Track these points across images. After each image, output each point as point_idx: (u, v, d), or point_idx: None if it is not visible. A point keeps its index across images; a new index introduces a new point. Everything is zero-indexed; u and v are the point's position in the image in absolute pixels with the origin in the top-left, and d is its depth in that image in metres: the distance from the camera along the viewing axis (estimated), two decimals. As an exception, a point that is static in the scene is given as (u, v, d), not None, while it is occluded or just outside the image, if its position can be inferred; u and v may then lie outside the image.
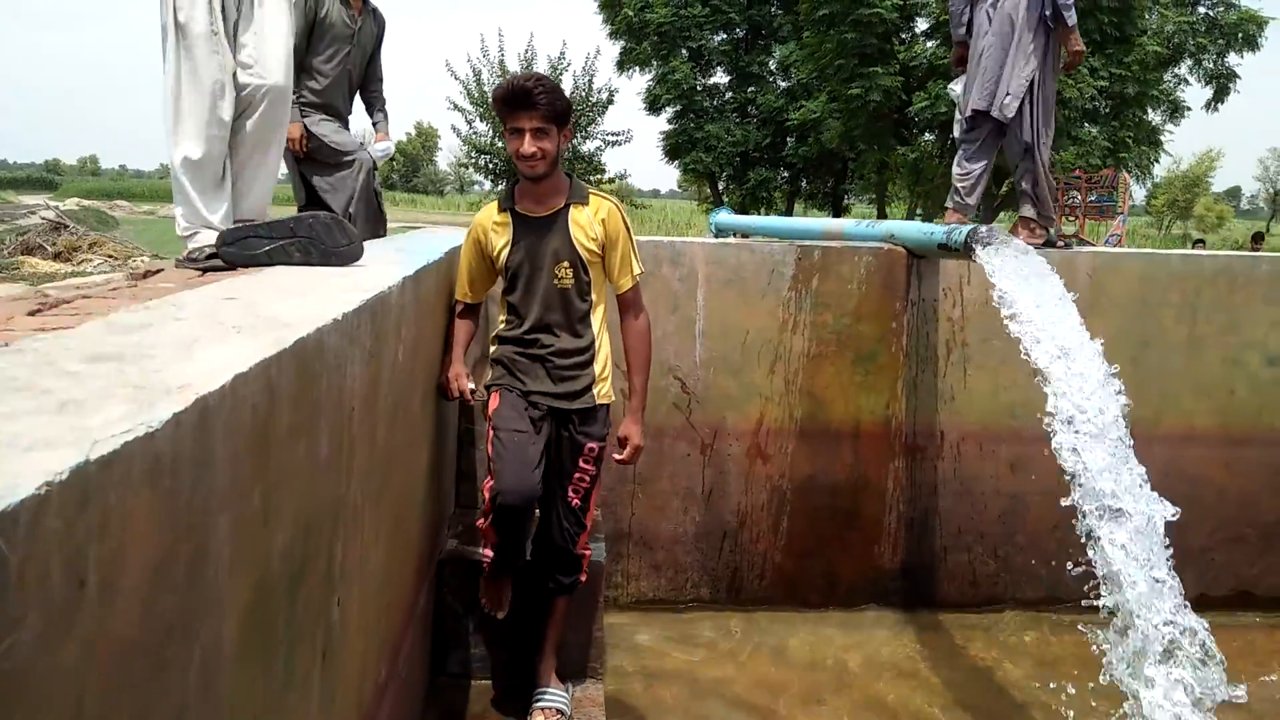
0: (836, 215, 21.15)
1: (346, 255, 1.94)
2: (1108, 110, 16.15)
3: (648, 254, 3.92)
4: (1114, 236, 14.22)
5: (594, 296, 2.62)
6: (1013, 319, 3.23)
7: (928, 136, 15.27)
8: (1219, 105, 17.12)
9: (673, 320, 3.93)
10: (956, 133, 4.45)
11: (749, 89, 20.57)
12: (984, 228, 3.38)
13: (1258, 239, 11.11)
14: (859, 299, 3.98)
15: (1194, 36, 16.29)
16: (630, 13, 19.86)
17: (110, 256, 17.58)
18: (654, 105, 20.68)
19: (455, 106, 20.55)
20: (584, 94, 20.94)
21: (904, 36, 15.28)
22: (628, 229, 2.65)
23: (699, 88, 20.36)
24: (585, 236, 2.56)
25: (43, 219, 20.25)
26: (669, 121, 21.02)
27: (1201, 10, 16.62)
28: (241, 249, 1.83)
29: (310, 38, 4.00)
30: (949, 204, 4.38)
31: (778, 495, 4.03)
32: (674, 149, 21.08)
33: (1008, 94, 4.08)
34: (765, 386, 3.99)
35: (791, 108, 19.37)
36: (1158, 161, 18.34)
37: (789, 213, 22.01)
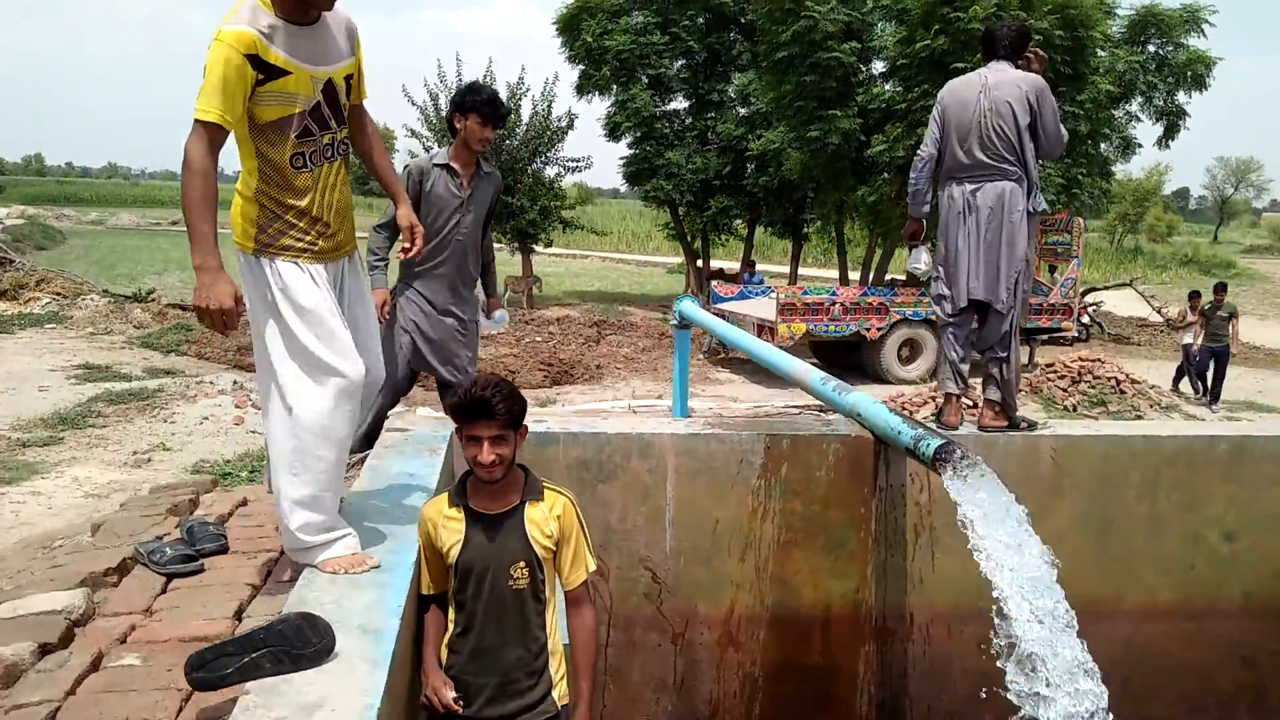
0: (796, 244, 21.31)
1: (318, 655, 1.89)
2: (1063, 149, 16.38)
3: (617, 446, 3.91)
4: (1069, 280, 14.45)
5: (547, 594, 2.57)
6: (973, 539, 3.27)
7: (885, 177, 15.36)
8: (1169, 142, 17.47)
9: (642, 511, 3.92)
10: (937, 311, 4.50)
11: (708, 116, 20.62)
12: (954, 447, 3.40)
13: (1219, 290, 11.24)
14: (827, 486, 3.99)
15: (1144, 75, 16.59)
16: (589, 39, 19.82)
17: (58, 294, 17.17)
18: (614, 132, 20.67)
19: (413, 133, 20.34)
20: (543, 119, 20.81)
21: (862, 78, 15.37)
22: (581, 525, 2.59)
23: (658, 114, 20.35)
24: (541, 534, 2.50)
25: (-14, 254, 19.70)
26: (629, 147, 21.02)
27: (1151, 49, 16.91)
28: (210, 672, 1.78)
29: (418, 210, 4.13)
30: (947, 387, 4.42)
31: (750, 682, 4.04)
32: (634, 175, 21.08)
33: (1006, 287, 4.13)
34: (736, 574, 3.99)
35: (751, 136, 19.46)
36: (1108, 193, 18.69)
37: (749, 240, 22.11)
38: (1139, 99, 17.10)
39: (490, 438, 2.39)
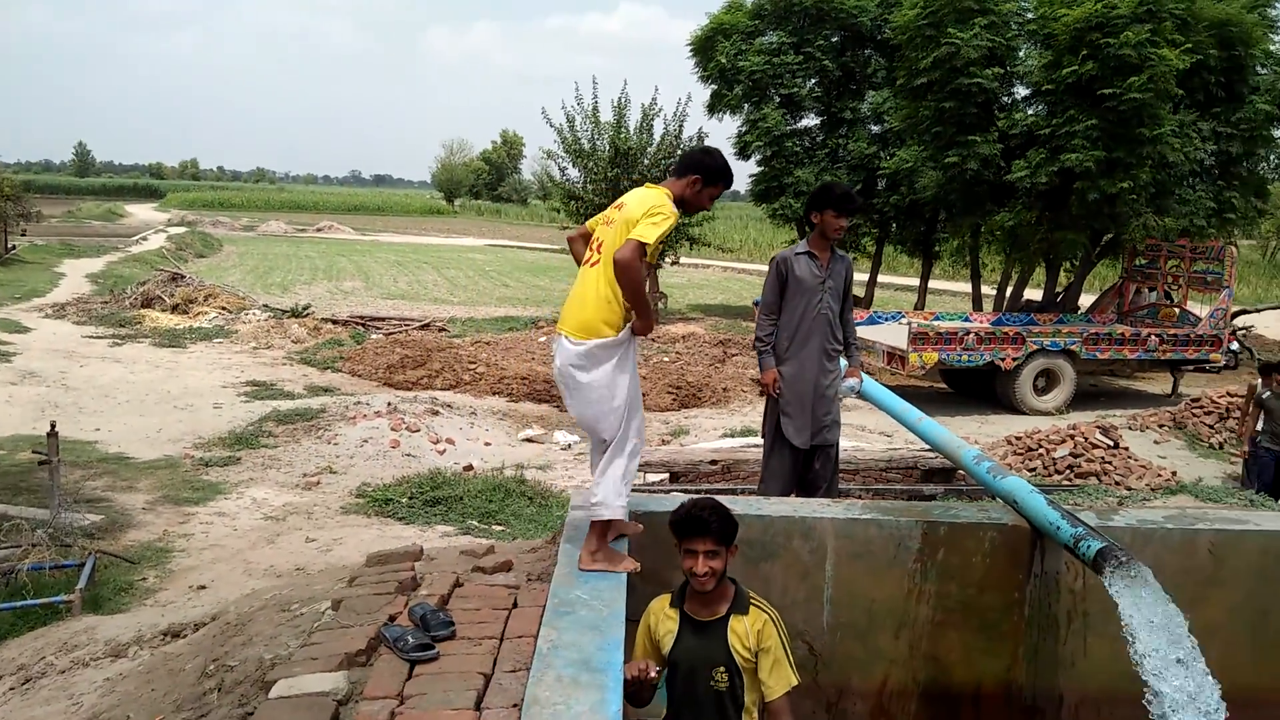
0: (927, 264, 21.04)
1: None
2: (1215, 170, 15.78)
3: (780, 528, 4.18)
4: (1219, 310, 13.92)
5: (748, 701, 2.88)
6: (1134, 643, 3.40)
7: (1023, 202, 15.08)
8: (1335, 162, 16.54)
9: (802, 588, 4.17)
10: None
11: (840, 134, 20.57)
12: (1119, 551, 3.53)
13: (1267, 371, 8.53)
14: (983, 571, 4.15)
15: (1308, 91, 15.75)
16: (724, 60, 20.06)
17: (224, 309, 18.45)
18: (744, 151, 20.84)
19: (549, 155, 21.00)
20: (674, 138, 21.19)
21: (1004, 103, 15.14)
22: (783, 639, 2.89)
23: (789, 132, 20.42)
24: (742, 645, 2.83)
25: (160, 270, 21.31)
26: (758, 164, 21.16)
27: (1319, 64, 16.04)
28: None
29: (784, 294, 5.11)
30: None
31: (900, 753, 4.24)
32: (763, 193, 21.20)
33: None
34: (890, 650, 4.20)
35: (884, 154, 19.34)
36: (1263, 213, 17.82)
37: (878, 258, 21.95)
38: (1302, 118, 16.23)
39: (705, 552, 2.74)
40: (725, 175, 3.72)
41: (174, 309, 18.32)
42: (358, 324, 18.30)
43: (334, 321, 18.16)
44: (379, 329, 18.00)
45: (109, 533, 7.18)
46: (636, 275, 3.36)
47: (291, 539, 7.23)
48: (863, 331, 14.07)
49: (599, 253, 3.52)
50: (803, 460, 5.23)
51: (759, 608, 2.91)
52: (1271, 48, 15.60)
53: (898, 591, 4.17)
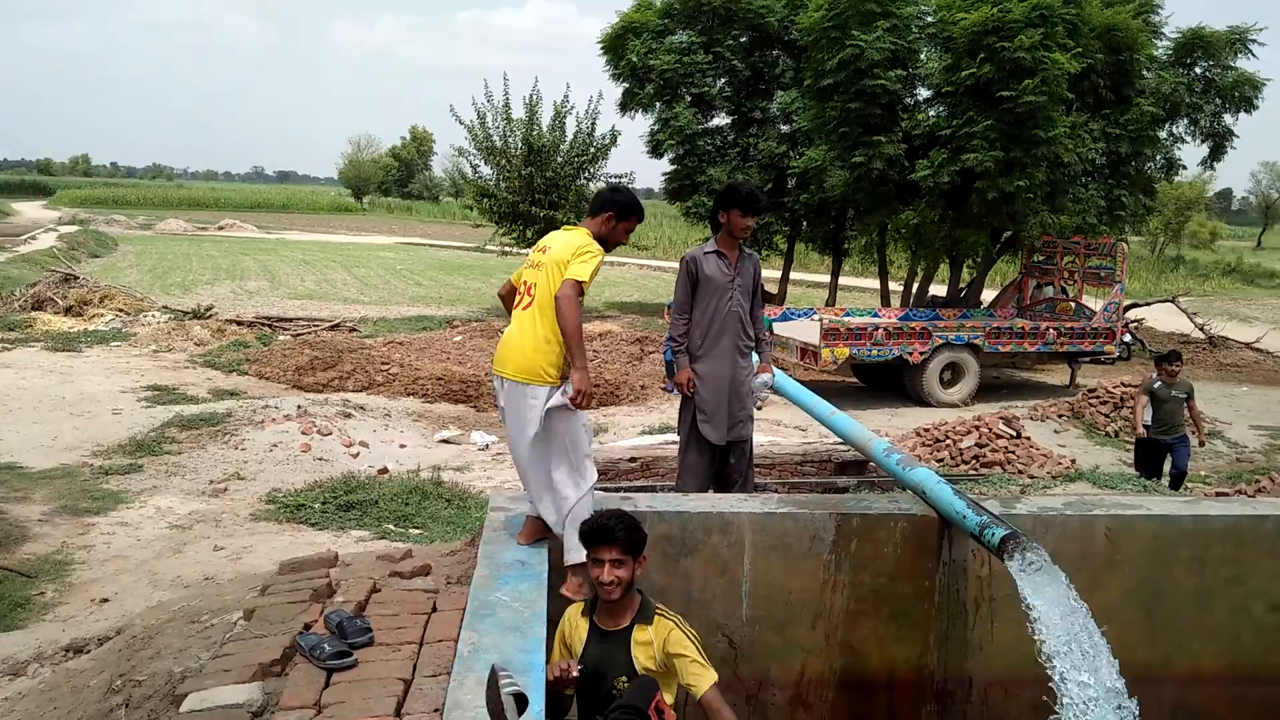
0: (837, 261, 21.46)
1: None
2: (1105, 169, 16.51)
3: (698, 525, 4.23)
4: (1112, 304, 14.56)
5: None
6: (1037, 627, 3.55)
7: (927, 201, 15.53)
8: (1215, 164, 17.49)
9: (721, 582, 4.22)
10: None
11: (750, 133, 20.83)
12: (1019, 540, 3.67)
13: (1172, 360, 8.45)
14: (895, 561, 4.28)
15: (1190, 95, 16.62)
16: (635, 58, 20.12)
17: (121, 310, 17.77)
18: (656, 149, 20.94)
19: (460, 152, 20.79)
20: (587, 136, 21.19)
21: (907, 104, 15.55)
22: (692, 641, 2.92)
23: (701, 131, 20.60)
24: (645, 655, 2.88)
25: (51, 271, 20.39)
26: (671, 163, 21.28)
27: (1198, 70, 16.92)
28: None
29: (695, 293, 5.13)
30: None
31: (819, 741, 4.34)
32: (676, 191, 21.35)
33: None
34: (807, 641, 4.29)
35: (793, 154, 19.66)
36: (1151, 210, 18.71)
37: (789, 255, 22.29)
38: (1184, 120, 17.11)
39: (610, 560, 2.76)
40: (636, 210, 3.96)
41: (67, 311, 17.54)
42: (264, 325, 17.81)
43: (239, 323, 17.64)
44: (287, 330, 17.55)
45: (2, 546, 6.84)
46: (576, 314, 3.50)
47: (199, 548, 7.01)
48: (776, 328, 14.33)
49: (531, 294, 3.66)
50: (719, 456, 5.30)
51: (664, 616, 2.97)
52: (1155, 52, 16.39)
53: (813, 583, 4.26)
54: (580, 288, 3.50)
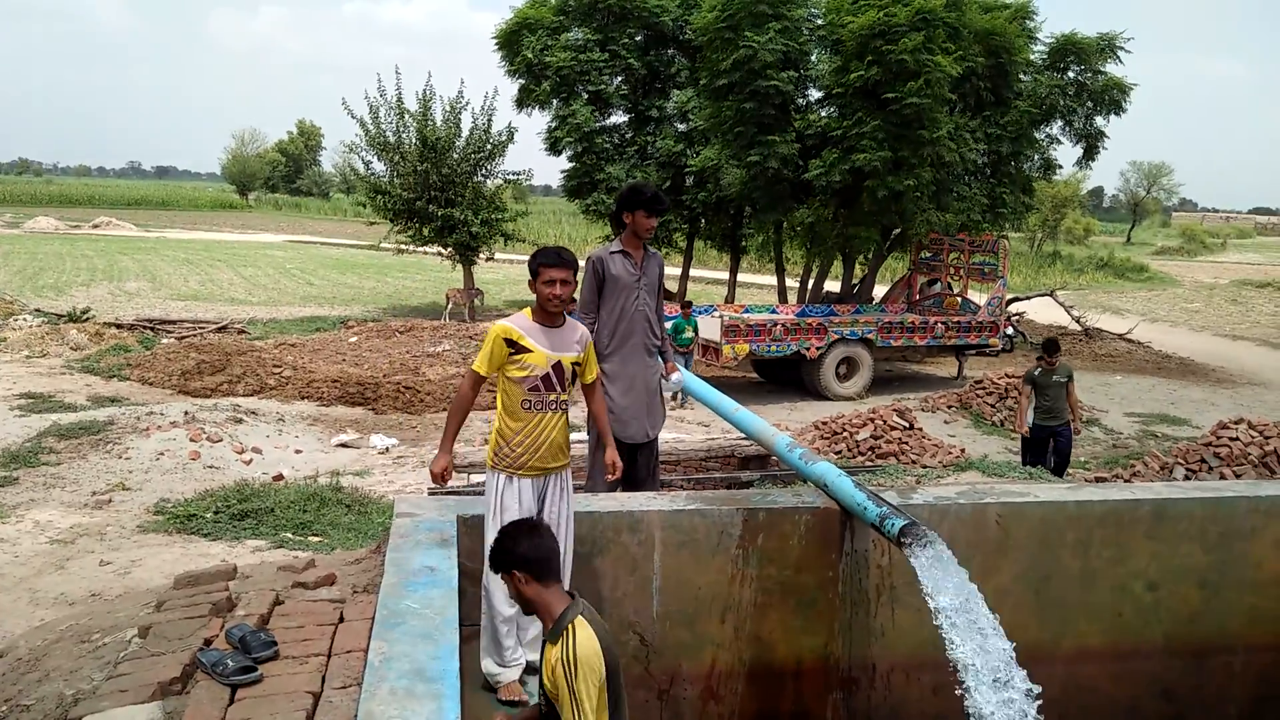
0: (735, 258, 21.76)
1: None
2: (987, 169, 17.19)
3: (608, 524, 4.24)
4: (996, 299, 15.18)
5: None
6: (934, 612, 3.68)
7: (821, 199, 15.90)
8: (1090, 163, 18.39)
9: (632, 580, 4.25)
10: None
11: (648, 131, 20.93)
12: (919, 527, 3.80)
13: (1050, 350, 8.88)
14: (799, 553, 4.37)
15: (1064, 99, 17.44)
16: (530, 55, 19.99)
17: (-14, 314, 16.75)
18: (554, 146, 20.87)
19: (351, 148, 20.30)
20: (483, 132, 20.94)
21: (799, 105, 15.87)
22: (572, 686, 2.71)
23: (598, 129, 20.61)
24: (548, 676, 2.82)
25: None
26: (569, 160, 21.23)
27: (1071, 74, 17.76)
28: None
29: (601, 293, 5.12)
30: None
31: (729, 732, 4.40)
32: (575, 189, 21.31)
33: None
34: (717, 634, 4.35)
35: (690, 152, 19.85)
36: (1030, 207, 19.58)
37: (689, 253, 22.50)
38: (1059, 122, 17.95)
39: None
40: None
41: (-74, 315, 16.45)
42: (145, 328, 17.05)
43: (118, 326, 16.85)
44: (170, 333, 16.84)
45: None
46: (461, 396, 3.97)
47: (83, 563, 6.68)
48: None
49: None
50: (628, 455, 5.32)
51: (564, 642, 2.76)
52: (1031, 57, 17.14)
53: (722, 577, 4.32)
54: (475, 375, 3.85)
